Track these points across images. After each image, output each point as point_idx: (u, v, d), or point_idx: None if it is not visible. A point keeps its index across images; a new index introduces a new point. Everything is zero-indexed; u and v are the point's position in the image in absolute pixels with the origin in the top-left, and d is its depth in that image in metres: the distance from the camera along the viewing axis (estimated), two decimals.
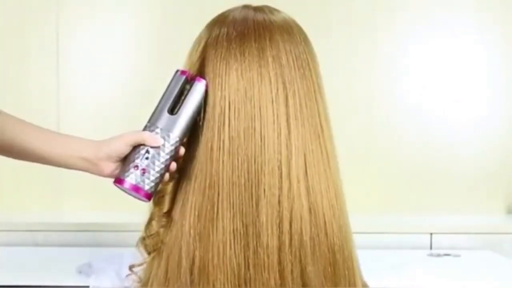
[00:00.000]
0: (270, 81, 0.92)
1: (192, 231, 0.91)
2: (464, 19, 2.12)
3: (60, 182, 2.07)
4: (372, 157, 2.10)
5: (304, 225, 0.90)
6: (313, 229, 0.91)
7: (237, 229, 0.90)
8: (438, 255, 1.80)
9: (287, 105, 0.92)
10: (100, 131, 1.85)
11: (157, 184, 0.93)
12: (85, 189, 2.03)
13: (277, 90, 0.92)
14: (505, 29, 2.11)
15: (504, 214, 2.10)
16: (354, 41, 2.11)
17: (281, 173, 0.91)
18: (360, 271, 0.99)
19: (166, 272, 0.93)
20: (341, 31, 2.10)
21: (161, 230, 0.95)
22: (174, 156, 0.93)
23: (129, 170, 0.92)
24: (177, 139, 0.93)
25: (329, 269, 0.92)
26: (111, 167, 0.94)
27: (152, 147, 0.92)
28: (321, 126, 0.94)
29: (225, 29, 0.95)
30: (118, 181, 0.93)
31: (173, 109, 0.94)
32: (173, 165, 0.94)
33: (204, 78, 0.94)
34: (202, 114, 0.93)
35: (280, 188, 0.90)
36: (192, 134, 0.95)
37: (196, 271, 0.90)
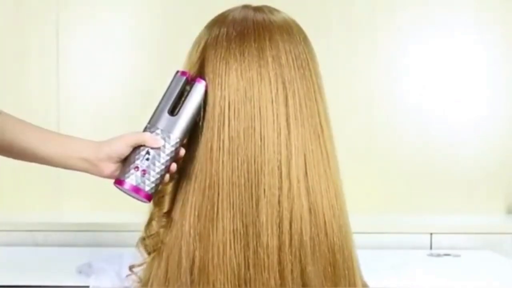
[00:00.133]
0: (270, 81, 0.92)
1: (192, 231, 0.91)
2: (464, 19, 2.12)
3: (60, 182, 2.07)
4: (372, 157, 2.10)
5: (304, 225, 0.90)
6: (313, 229, 0.91)
7: (237, 229, 0.90)
8: (438, 255, 1.80)
9: (287, 105, 0.92)
10: (100, 131, 1.87)
11: (157, 185, 0.93)
12: (85, 189, 2.03)
13: (277, 90, 0.92)
14: (505, 29, 2.11)
15: (504, 214, 2.10)
16: (354, 41, 2.11)
17: (281, 173, 0.90)
18: (360, 271, 0.99)
19: (166, 272, 0.93)
20: (341, 31, 2.10)
21: (161, 230, 0.95)
22: (175, 157, 0.93)
23: (129, 171, 0.92)
24: (178, 140, 0.93)
25: (329, 269, 0.92)
26: (111, 168, 0.94)
27: (152, 148, 0.92)
28: (321, 126, 0.94)
29: (225, 29, 0.95)
30: (119, 182, 0.93)
31: (174, 110, 0.93)
32: (173, 166, 0.94)
33: (204, 78, 0.94)
34: (202, 114, 0.93)
35: (280, 188, 0.90)
36: (192, 135, 0.94)
37: (196, 271, 0.90)
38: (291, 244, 0.90)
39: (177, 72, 0.95)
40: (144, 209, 0.98)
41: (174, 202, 0.95)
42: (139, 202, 0.95)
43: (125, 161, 0.94)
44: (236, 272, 0.89)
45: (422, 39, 2.11)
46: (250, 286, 0.89)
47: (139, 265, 0.97)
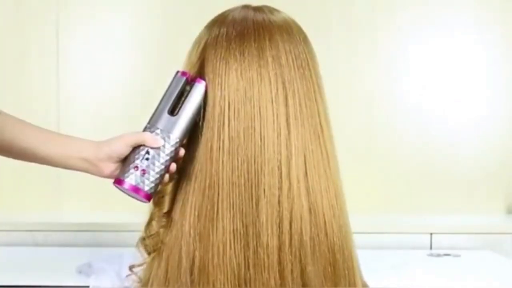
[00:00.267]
0: (270, 81, 0.92)
1: (192, 231, 0.91)
2: (464, 19, 2.12)
3: (60, 182, 2.07)
4: (372, 157, 2.10)
5: (304, 225, 0.90)
6: (313, 229, 0.91)
7: (237, 229, 0.90)
8: (438, 255, 1.80)
9: (286, 105, 0.92)
10: (100, 131, 1.86)
11: (157, 185, 0.93)
12: (85, 189, 2.03)
13: (277, 90, 0.92)
14: (505, 29, 2.11)
15: (504, 214, 2.10)
16: (354, 41, 2.11)
17: (281, 173, 0.90)
18: (360, 271, 0.99)
19: (166, 272, 0.93)
20: (341, 31, 2.10)
21: (161, 230, 0.95)
22: (174, 157, 0.93)
23: (129, 170, 0.92)
24: (177, 140, 0.93)
25: (329, 269, 0.92)
26: (111, 167, 0.94)
27: (152, 148, 0.92)
28: (321, 126, 0.94)
29: (225, 29, 0.95)
30: (118, 181, 0.93)
31: (173, 110, 0.93)
32: (173, 166, 0.94)
33: (204, 79, 0.94)
34: (201, 114, 0.93)
35: (280, 188, 0.90)
36: (192, 135, 0.94)
37: (196, 271, 0.90)
38: (291, 244, 0.90)
39: (177, 72, 0.95)
40: (144, 209, 0.98)
41: (174, 202, 0.95)
42: (139, 202, 0.95)
43: (125, 161, 0.94)
44: (236, 272, 0.89)
45: (422, 39, 2.11)
46: (250, 286, 0.89)
47: (139, 265, 0.97)
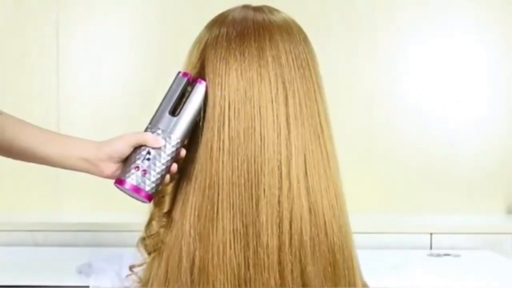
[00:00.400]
0: (270, 81, 0.92)
1: (192, 231, 0.91)
2: (464, 19, 2.12)
3: (60, 182, 2.07)
4: (372, 157, 2.10)
5: (304, 225, 0.90)
6: (313, 229, 0.91)
7: (237, 229, 0.90)
8: (438, 255, 1.80)
9: (287, 105, 0.92)
10: (100, 131, 1.87)
11: (157, 185, 0.93)
12: (85, 189, 2.03)
13: (277, 90, 0.92)
14: (505, 29, 2.11)
15: (504, 214, 2.10)
16: (354, 41, 2.11)
17: (281, 173, 0.90)
18: (360, 271, 0.99)
19: (166, 272, 0.93)
20: (341, 31, 2.10)
21: (161, 230, 0.95)
22: (175, 158, 0.93)
23: (130, 170, 0.92)
24: (178, 140, 0.93)
25: (329, 269, 0.92)
26: (111, 168, 0.94)
27: (153, 148, 0.92)
28: (321, 126, 0.94)
29: (225, 29, 0.95)
30: (119, 181, 0.93)
31: (175, 111, 0.94)
32: (174, 167, 0.94)
33: (205, 79, 0.94)
34: (202, 115, 0.93)
35: (280, 188, 0.90)
36: (193, 135, 0.94)
37: (196, 271, 0.90)
38: (291, 244, 0.90)
39: (179, 73, 0.95)
40: (144, 209, 0.98)
41: (174, 202, 0.95)
42: (139, 202, 0.95)
43: (126, 161, 0.94)
44: (236, 272, 0.89)
45: (422, 39, 2.11)
46: (250, 286, 0.89)
47: (139, 265, 0.97)
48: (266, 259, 0.89)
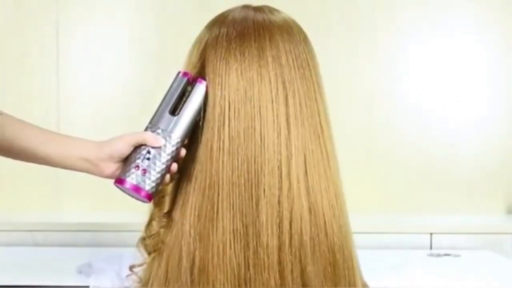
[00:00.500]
0: (270, 81, 0.92)
1: (192, 231, 0.91)
2: (464, 19, 2.12)
3: (60, 182, 2.07)
4: (372, 157, 2.10)
5: (304, 225, 0.90)
6: (313, 229, 0.91)
7: (237, 229, 0.90)
8: (438, 255, 1.80)
9: (287, 105, 0.92)
10: (100, 131, 1.87)
11: (157, 185, 0.93)
12: (85, 189, 2.03)
13: (277, 90, 0.92)
14: (505, 29, 2.11)
15: (504, 214, 2.11)
16: (354, 41, 2.11)
17: (281, 173, 0.90)
18: (360, 271, 0.99)
19: (166, 272, 0.93)
20: (341, 31, 2.10)
21: (162, 230, 0.95)
22: (175, 157, 0.93)
23: (130, 170, 0.92)
24: (179, 140, 0.93)
25: (329, 269, 0.92)
26: (111, 167, 0.94)
27: (153, 147, 0.92)
28: (321, 126, 0.94)
29: (225, 29, 0.95)
30: (119, 181, 0.93)
31: (175, 111, 0.94)
32: (174, 166, 0.94)
33: (204, 79, 0.94)
34: (202, 114, 0.93)
35: (280, 188, 0.90)
36: (193, 135, 0.94)
37: (196, 271, 0.90)
38: (291, 244, 0.90)
39: (179, 72, 0.95)
40: (144, 209, 0.98)
41: (174, 202, 0.95)
42: (139, 202, 0.95)
43: (126, 161, 0.94)
44: (236, 272, 0.89)
45: (422, 39, 2.11)
46: (250, 286, 0.89)
47: (139, 265, 0.97)
48: (266, 259, 0.89)
